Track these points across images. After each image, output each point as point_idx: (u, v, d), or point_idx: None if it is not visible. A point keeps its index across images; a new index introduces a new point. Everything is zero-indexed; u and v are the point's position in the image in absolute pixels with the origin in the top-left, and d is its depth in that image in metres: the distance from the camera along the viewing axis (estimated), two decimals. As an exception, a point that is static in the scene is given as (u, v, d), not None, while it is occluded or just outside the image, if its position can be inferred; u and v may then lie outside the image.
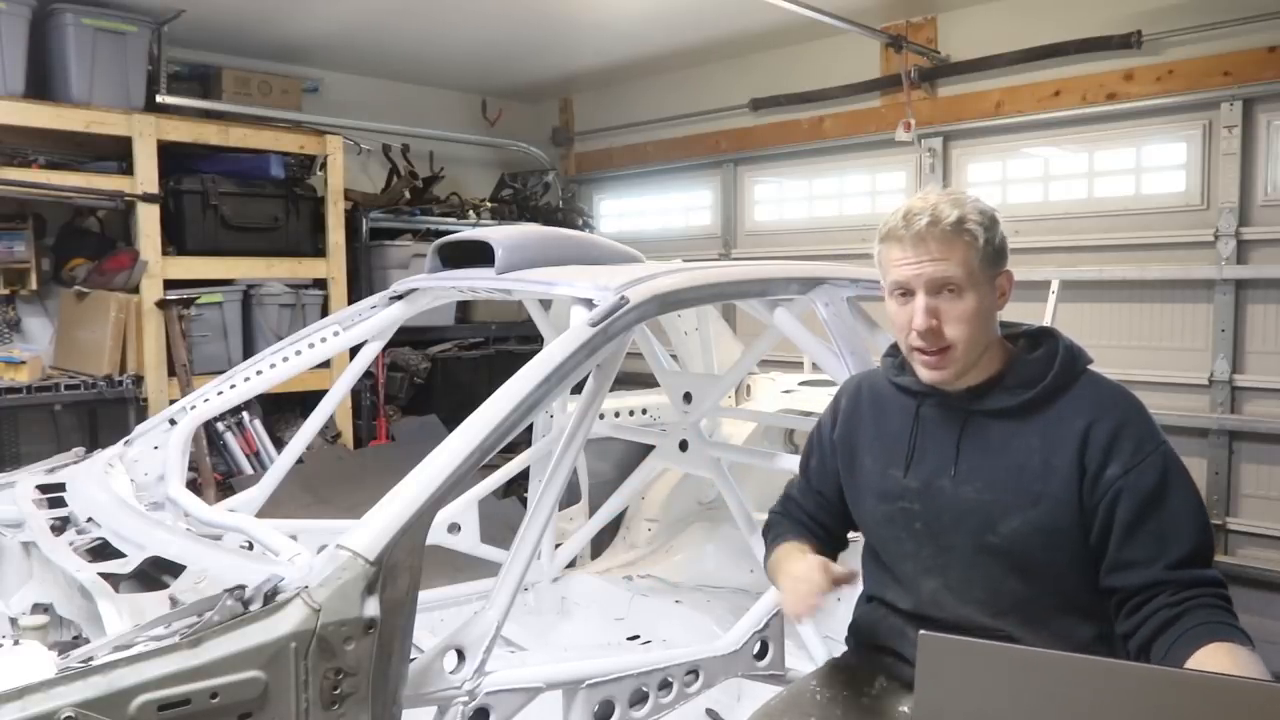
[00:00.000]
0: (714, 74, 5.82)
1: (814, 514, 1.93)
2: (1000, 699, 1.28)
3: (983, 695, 1.29)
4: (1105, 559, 1.57)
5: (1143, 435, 1.59)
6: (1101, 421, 1.60)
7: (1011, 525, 1.61)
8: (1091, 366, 1.71)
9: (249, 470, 4.58)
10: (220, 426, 4.55)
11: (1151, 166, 4.31)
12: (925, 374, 1.69)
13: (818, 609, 1.62)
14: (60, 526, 2.34)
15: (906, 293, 1.65)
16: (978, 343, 1.65)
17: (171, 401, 3.44)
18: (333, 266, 5.06)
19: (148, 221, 4.44)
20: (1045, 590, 1.61)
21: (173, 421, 2.91)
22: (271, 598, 1.63)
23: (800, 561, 1.71)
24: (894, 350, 1.87)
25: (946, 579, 1.68)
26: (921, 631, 1.32)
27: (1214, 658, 1.41)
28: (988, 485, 1.64)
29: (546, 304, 3.33)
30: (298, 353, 3.00)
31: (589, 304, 2.26)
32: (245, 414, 4.63)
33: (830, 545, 1.91)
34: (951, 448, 1.69)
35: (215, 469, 4.46)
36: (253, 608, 1.61)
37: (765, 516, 3.36)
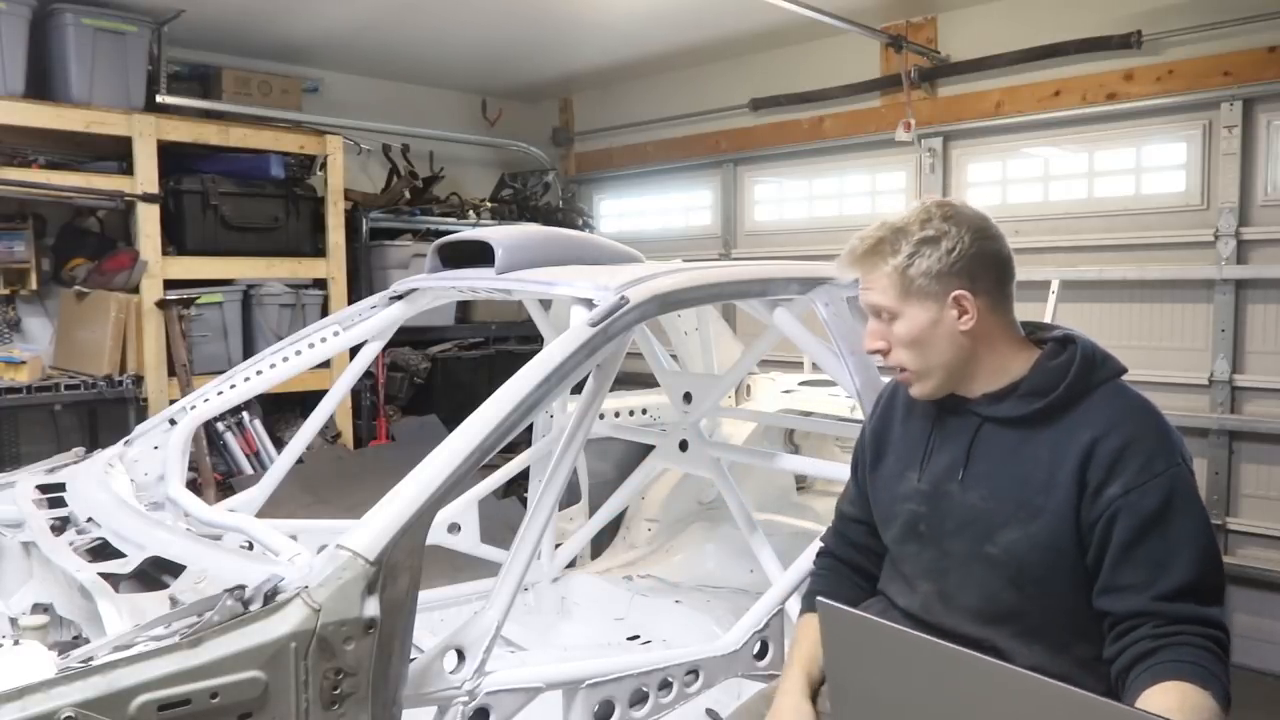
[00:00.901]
0: (714, 74, 5.82)
1: (870, 522, 1.88)
2: (894, 678, 1.29)
3: (879, 672, 1.30)
4: (1099, 580, 1.53)
5: (1152, 455, 1.53)
6: (1109, 437, 1.54)
7: (1009, 537, 1.59)
8: (1124, 378, 1.66)
9: (249, 470, 4.57)
10: (220, 426, 4.54)
11: (1151, 166, 4.31)
12: (910, 391, 1.74)
13: None
14: (60, 526, 2.34)
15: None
16: (936, 364, 1.66)
17: (171, 401, 3.44)
18: (333, 266, 5.06)
19: (148, 221, 4.44)
20: (1042, 605, 1.59)
21: (173, 421, 2.90)
22: (271, 598, 1.63)
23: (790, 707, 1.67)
24: None
25: (942, 585, 1.68)
26: (819, 599, 1.33)
27: (1160, 697, 1.36)
28: (992, 493, 1.63)
29: (546, 304, 3.32)
30: (298, 353, 3.00)
31: (589, 304, 2.26)
32: (245, 414, 4.63)
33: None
34: (962, 453, 1.69)
35: (215, 469, 4.46)
36: (253, 608, 1.61)
37: (766, 516, 3.38)
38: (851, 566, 1.91)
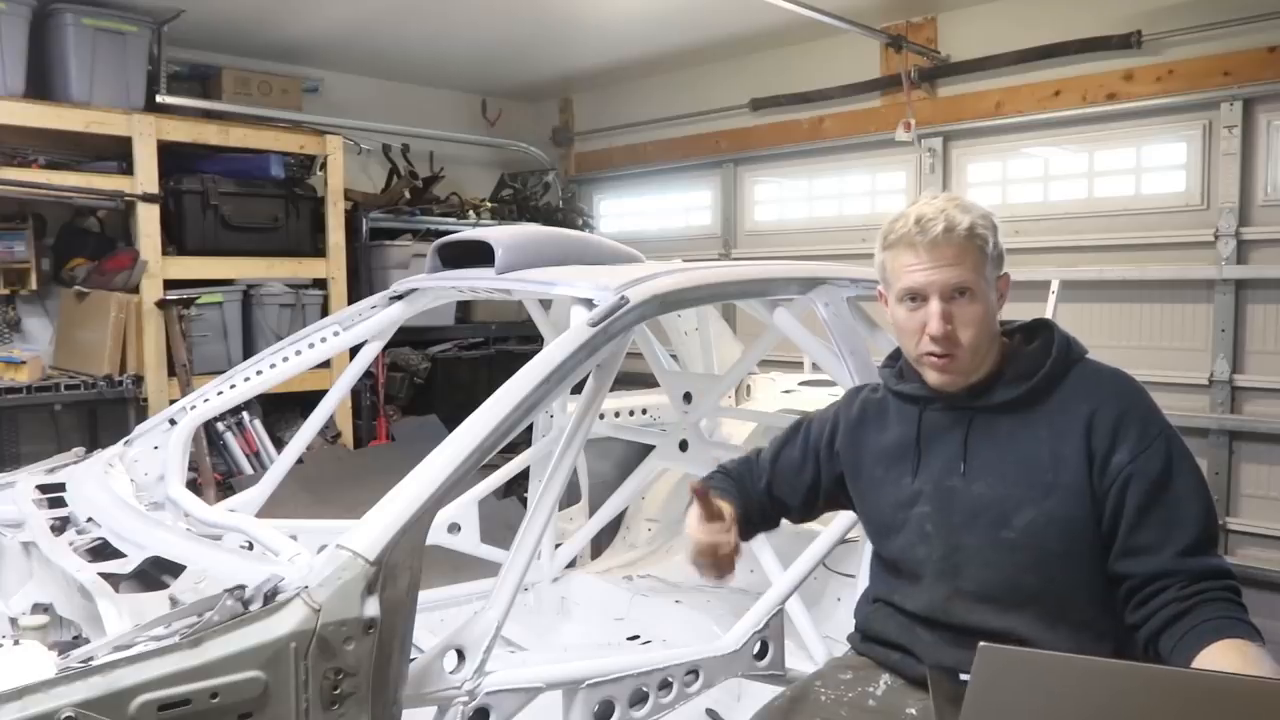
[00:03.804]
0: (714, 74, 5.82)
1: (761, 496, 1.94)
2: (1056, 710, 1.25)
3: (1038, 707, 1.26)
4: (1115, 545, 1.59)
5: (1147, 419, 1.62)
6: (1105, 407, 1.62)
7: (1026, 518, 1.61)
8: (1090, 356, 1.73)
9: (249, 470, 4.57)
10: (220, 426, 4.54)
11: (1151, 166, 4.31)
12: (935, 378, 1.70)
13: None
14: (60, 526, 2.34)
15: (918, 298, 1.66)
16: (985, 344, 1.67)
17: (171, 401, 3.44)
18: (333, 266, 5.06)
19: (148, 221, 4.44)
20: (1061, 582, 1.62)
21: (173, 421, 2.91)
22: (271, 598, 1.63)
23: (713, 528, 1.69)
24: (890, 361, 1.88)
25: (959, 582, 1.67)
26: (981, 644, 1.28)
27: (1224, 655, 1.42)
28: (999, 480, 1.65)
29: (546, 304, 3.33)
30: (298, 353, 3.00)
31: (589, 304, 2.26)
32: (245, 414, 4.62)
33: (761, 523, 1.96)
34: (958, 446, 1.70)
35: (215, 469, 4.46)
36: (253, 608, 1.61)
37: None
38: (745, 488, 1.94)
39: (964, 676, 1.59)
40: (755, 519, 1.93)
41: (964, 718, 1.28)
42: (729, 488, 1.92)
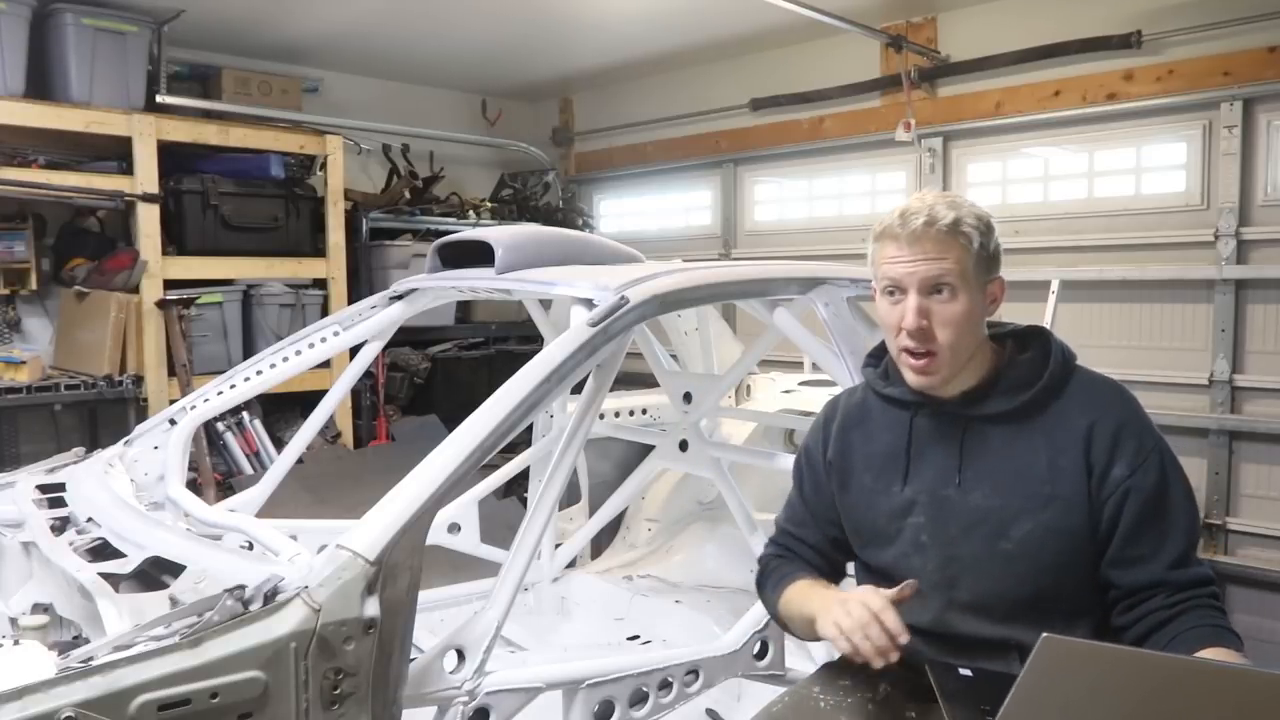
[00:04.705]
0: (714, 74, 5.82)
1: (818, 546, 1.86)
2: (1106, 702, 1.24)
3: (1088, 698, 1.25)
4: (1108, 554, 1.60)
5: (1142, 433, 1.62)
6: (1103, 421, 1.61)
7: (1023, 529, 1.61)
8: (1080, 363, 1.71)
9: (249, 470, 4.57)
10: (220, 426, 4.54)
11: (1151, 166, 4.31)
12: (912, 379, 1.67)
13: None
14: (60, 526, 2.35)
15: (897, 291, 1.64)
16: (964, 347, 1.64)
17: (171, 401, 3.44)
18: (333, 266, 5.06)
19: (148, 221, 4.44)
20: (1052, 590, 1.62)
21: (173, 421, 2.91)
22: (271, 598, 1.63)
23: (850, 601, 1.56)
24: (873, 360, 1.86)
25: (954, 593, 1.66)
26: (1044, 635, 1.27)
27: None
28: (996, 490, 1.63)
29: (546, 304, 3.33)
30: (298, 353, 3.00)
31: (589, 304, 2.26)
32: (245, 414, 4.62)
33: (835, 579, 1.88)
34: (953, 456, 1.68)
35: (215, 469, 4.46)
36: (253, 608, 1.61)
37: (765, 516, 3.37)
38: (804, 560, 1.87)
39: (964, 671, 1.60)
40: (829, 576, 1.84)
41: (1011, 704, 1.26)
42: (795, 570, 1.82)
